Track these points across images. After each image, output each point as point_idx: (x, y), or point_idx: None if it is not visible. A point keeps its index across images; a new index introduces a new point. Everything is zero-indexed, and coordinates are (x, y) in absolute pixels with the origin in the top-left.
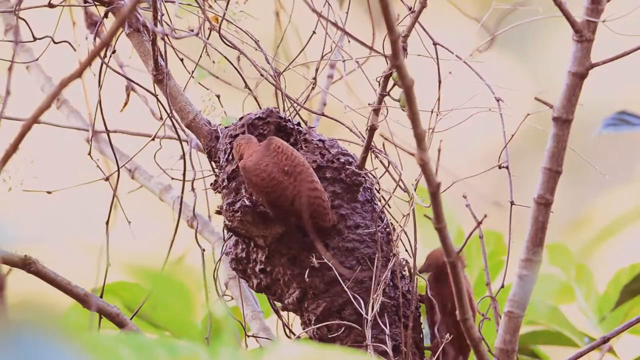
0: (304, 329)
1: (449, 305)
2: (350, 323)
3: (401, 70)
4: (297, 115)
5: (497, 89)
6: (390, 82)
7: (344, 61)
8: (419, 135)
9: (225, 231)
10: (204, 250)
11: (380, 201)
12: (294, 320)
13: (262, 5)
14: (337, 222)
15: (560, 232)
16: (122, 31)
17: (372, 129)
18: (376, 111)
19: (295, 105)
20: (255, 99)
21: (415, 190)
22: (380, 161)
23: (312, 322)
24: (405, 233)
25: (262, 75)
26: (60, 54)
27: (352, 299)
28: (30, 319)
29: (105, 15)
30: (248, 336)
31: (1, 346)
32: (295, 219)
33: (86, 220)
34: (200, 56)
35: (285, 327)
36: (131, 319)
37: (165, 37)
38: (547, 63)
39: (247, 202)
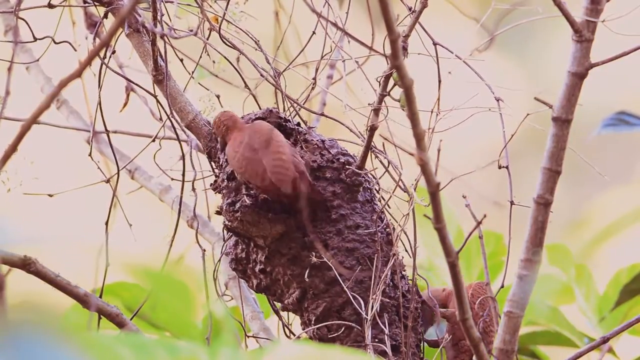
0: (304, 329)
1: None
2: (350, 323)
3: (401, 70)
4: (297, 115)
5: (497, 89)
6: (391, 82)
7: (343, 61)
8: (419, 135)
9: (225, 231)
10: (204, 250)
11: (380, 201)
12: (294, 320)
13: (262, 5)
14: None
15: (560, 232)
16: (121, 31)
17: (372, 129)
18: (376, 111)
19: (295, 105)
20: (255, 99)
21: (415, 190)
22: (380, 161)
23: (312, 322)
24: (405, 233)
25: (262, 75)
26: (60, 55)
27: (352, 299)
28: (30, 319)
29: (105, 16)
30: (248, 336)
31: (1, 346)
32: (272, 195)
33: (86, 220)
34: (200, 56)
35: (285, 327)
36: (131, 319)
37: (165, 38)
38: (546, 63)
39: (247, 202)
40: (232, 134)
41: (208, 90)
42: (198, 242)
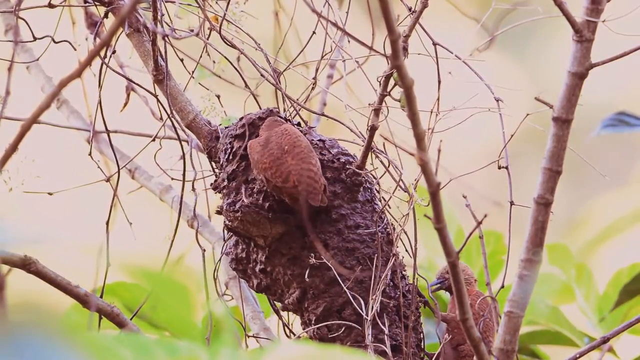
0: (304, 329)
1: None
2: (350, 323)
3: (401, 70)
4: (297, 115)
5: (497, 89)
6: (391, 82)
7: (344, 61)
8: (419, 135)
9: (225, 231)
10: (204, 250)
11: (380, 201)
12: (294, 320)
13: (262, 5)
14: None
15: (560, 232)
16: (122, 31)
17: (372, 129)
18: (376, 111)
19: (295, 105)
20: (256, 99)
21: (415, 190)
22: (381, 161)
23: (312, 322)
24: (405, 233)
25: (262, 75)
26: (61, 54)
27: (352, 299)
28: (30, 319)
29: (106, 16)
30: (248, 336)
31: (1, 346)
32: (288, 197)
33: (86, 220)
34: (201, 56)
35: (285, 327)
36: (131, 319)
37: (166, 37)
38: (546, 63)
39: (247, 202)
40: (265, 129)
41: (208, 90)
42: (198, 242)
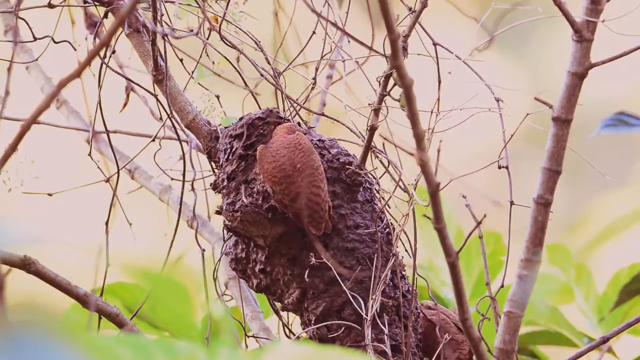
0: (303, 329)
1: None
2: (350, 323)
3: (401, 70)
4: (297, 115)
5: (497, 89)
6: (391, 82)
7: (343, 61)
8: (419, 135)
9: (225, 231)
10: (203, 250)
11: (380, 201)
12: (294, 320)
13: (262, 5)
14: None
15: (560, 232)
16: (121, 31)
17: (372, 129)
18: (376, 111)
19: (295, 105)
20: (255, 99)
21: (415, 190)
22: (380, 161)
23: (312, 322)
24: (405, 233)
25: (262, 75)
26: (60, 54)
27: (352, 299)
28: (30, 319)
29: (105, 16)
30: (248, 336)
31: (1, 346)
32: (293, 216)
33: (86, 220)
34: (200, 56)
35: (285, 327)
36: (131, 319)
37: (165, 37)
38: (546, 63)
39: (247, 202)
40: (278, 136)
41: (208, 90)
42: (198, 242)
